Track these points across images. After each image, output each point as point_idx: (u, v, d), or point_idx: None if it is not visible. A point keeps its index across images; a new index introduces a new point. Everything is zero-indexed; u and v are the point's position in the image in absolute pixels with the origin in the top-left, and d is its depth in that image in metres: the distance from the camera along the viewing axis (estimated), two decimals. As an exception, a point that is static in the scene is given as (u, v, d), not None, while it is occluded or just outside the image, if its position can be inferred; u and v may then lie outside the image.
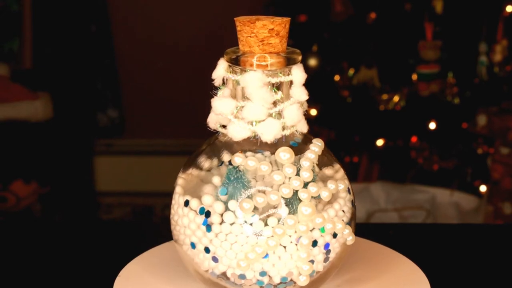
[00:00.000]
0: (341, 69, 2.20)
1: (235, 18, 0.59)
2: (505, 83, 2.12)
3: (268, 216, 0.56)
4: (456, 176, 2.09)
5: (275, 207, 0.57)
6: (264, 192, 0.57)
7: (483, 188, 2.04)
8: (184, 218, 0.59)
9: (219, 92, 0.60)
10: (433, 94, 2.14)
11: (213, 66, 0.60)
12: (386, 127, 2.15)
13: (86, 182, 2.61)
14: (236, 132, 0.58)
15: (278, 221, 0.56)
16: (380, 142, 2.12)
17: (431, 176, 2.12)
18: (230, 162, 0.58)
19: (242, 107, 0.58)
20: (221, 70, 0.59)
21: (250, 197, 0.57)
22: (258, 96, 0.57)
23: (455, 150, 2.12)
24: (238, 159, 0.57)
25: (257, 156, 0.58)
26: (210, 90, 0.60)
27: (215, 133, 0.61)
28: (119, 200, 2.64)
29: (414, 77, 2.18)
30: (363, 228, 0.73)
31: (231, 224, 0.57)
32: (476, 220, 2.00)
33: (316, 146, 0.59)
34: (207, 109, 0.60)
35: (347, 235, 0.59)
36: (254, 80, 0.57)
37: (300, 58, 0.59)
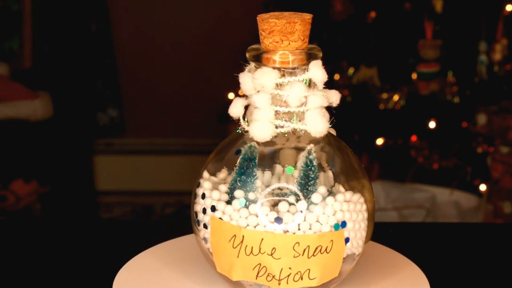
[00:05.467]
0: (341, 68, 2.20)
1: (300, 17, 0.58)
2: (505, 82, 2.12)
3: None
4: (456, 175, 2.09)
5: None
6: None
7: (483, 187, 2.04)
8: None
9: (265, 99, 0.57)
10: (433, 93, 2.14)
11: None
12: (386, 126, 2.15)
13: (86, 181, 2.61)
14: (318, 124, 0.58)
15: None
16: (380, 141, 2.12)
17: (431, 175, 2.12)
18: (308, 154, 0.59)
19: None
20: (273, 79, 0.57)
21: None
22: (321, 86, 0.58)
23: (455, 149, 2.12)
24: (312, 152, 0.59)
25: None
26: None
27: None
28: (119, 199, 2.64)
29: (414, 76, 2.18)
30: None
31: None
32: (475, 219, 2.00)
33: None
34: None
35: None
36: (322, 72, 0.58)
37: None
